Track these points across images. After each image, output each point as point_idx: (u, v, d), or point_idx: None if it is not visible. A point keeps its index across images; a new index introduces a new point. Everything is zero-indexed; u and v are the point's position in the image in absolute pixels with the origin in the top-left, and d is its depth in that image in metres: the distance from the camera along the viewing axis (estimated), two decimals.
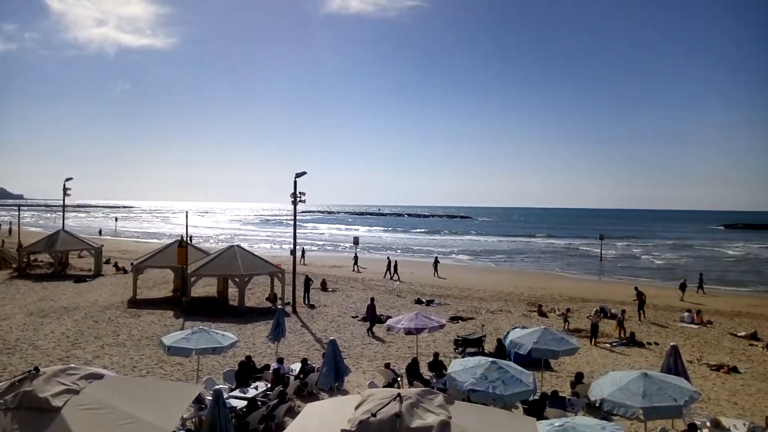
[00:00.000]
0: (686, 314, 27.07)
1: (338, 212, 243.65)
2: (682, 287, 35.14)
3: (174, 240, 32.34)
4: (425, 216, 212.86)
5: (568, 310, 26.84)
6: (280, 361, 15.83)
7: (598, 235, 68.90)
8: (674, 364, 12.89)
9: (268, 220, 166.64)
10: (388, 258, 44.60)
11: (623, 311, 24.41)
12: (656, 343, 22.02)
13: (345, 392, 14.29)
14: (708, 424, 12.08)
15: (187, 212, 41.11)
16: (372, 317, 22.97)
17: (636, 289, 29.01)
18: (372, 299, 25.62)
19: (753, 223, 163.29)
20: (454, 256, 66.32)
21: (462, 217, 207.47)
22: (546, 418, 10.22)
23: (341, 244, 76.63)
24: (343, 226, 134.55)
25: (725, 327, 25.71)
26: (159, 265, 30.20)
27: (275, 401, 12.90)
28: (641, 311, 27.43)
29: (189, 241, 31.89)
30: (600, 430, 7.43)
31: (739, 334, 24.00)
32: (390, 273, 41.10)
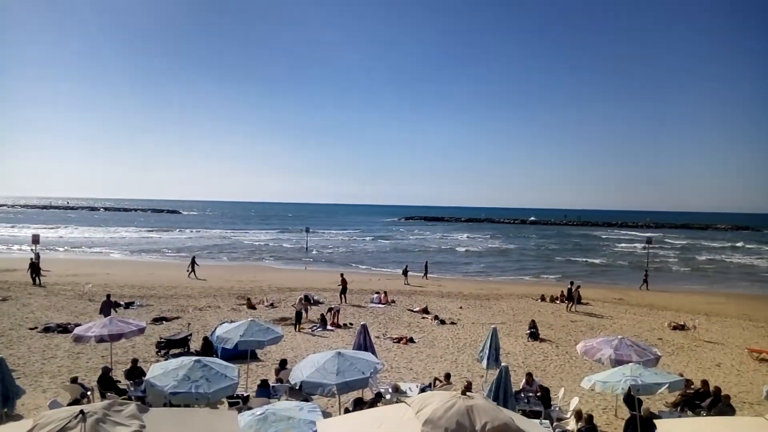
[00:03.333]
0: (375, 296, 30.84)
1: (12, 206, 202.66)
2: (405, 273, 39.97)
3: None
4: (126, 210, 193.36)
5: (303, 303, 27.30)
6: None
7: (304, 227, 73.37)
8: (364, 341, 14.54)
9: None
10: (32, 257, 36.26)
11: (338, 308, 26.20)
12: (351, 324, 24.49)
13: (18, 417, 12.05)
14: (390, 390, 14.00)
15: None
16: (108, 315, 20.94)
17: (341, 275, 31.74)
18: (108, 296, 23.85)
19: (426, 216, 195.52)
20: (160, 253, 62.03)
21: (169, 211, 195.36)
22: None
23: (13, 245, 64.13)
24: (18, 224, 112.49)
25: (405, 304, 30.07)
26: None
27: None
28: (344, 296, 30.26)
29: None
30: (298, 411, 7.91)
31: (414, 310, 28.40)
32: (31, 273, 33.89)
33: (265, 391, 13.61)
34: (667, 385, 11.26)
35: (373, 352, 14.07)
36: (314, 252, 67.43)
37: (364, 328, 14.88)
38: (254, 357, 18.05)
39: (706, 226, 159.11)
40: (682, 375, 14.98)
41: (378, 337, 21.77)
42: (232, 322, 17.35)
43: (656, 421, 6.93)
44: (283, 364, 15.61)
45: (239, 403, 12.78)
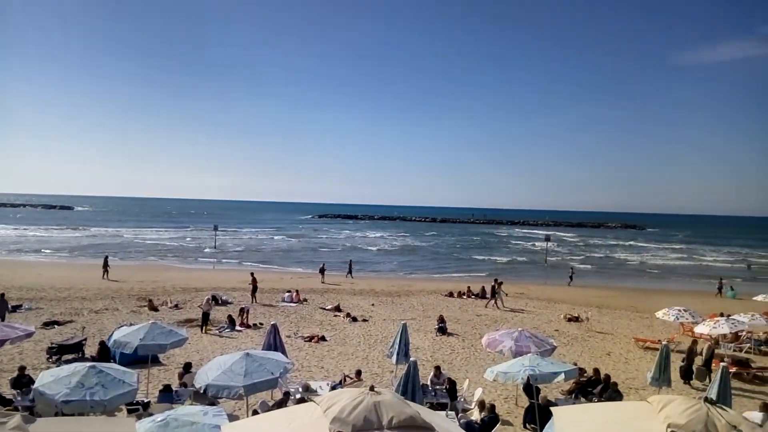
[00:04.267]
0: (286, 294, 30.41)
1: None
2: (322, 271, 39.97)
3: None
4: (14, 206, 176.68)
5: (201, 306, 26.11)
6: None
7: (212, 225, 70.93)
8: (274, 341, 14.33)
9: None
10: None
11: (247, 308, 25.44)
12: (261, 324, 23.99)
13: None
14: (300, 389, 13.88)
15: None
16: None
17: (252, 274, 30.88)
18: (2, 294, 22.75)
19: (340, 214, 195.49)
20: (49, 252, 57.41)
21: (62, 207, 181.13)
22: None
23: None
24: None
25: (317, 303, 29.91)
26: None
27: None
28: (254, 295, 29.54)
29: None
30: (202, 415, 7.66)
31: (326, 308, 28.33)
32: None
33: (167, 396, 13.05)
34: (562, 374, 12.04)
35: (284, 352, 13.91)
36: (220, 251, 65.23)
37: (274, 327, 14.67)
38: (156, 361, 17.25)
39: (598, 224, 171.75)
40: (576, 364, 16.08)
41: (289, 337, 21.54)
42: (131, 325, 16.52)
43: (552, 408, 7.40)
44: (187, 367, 15.03)
45: (139, 409, 12.17)
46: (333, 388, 14.11)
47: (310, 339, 21.63)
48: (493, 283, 32.31)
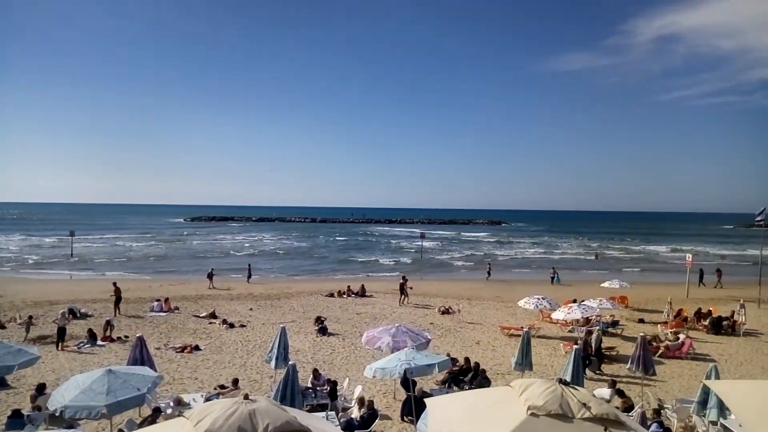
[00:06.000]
0: (155, 303, 28.53)
1: None
2: (210, 276, 38.05)
3: None
4: None
5: (30, 317, 23.91)
6: None
7: (69, 231, 64.61)
8: (140, 354, 13.43)
9: None
10: None
11: (111, 320, 23.48)
12: (127, 336, 22.32)
13: None
14: (171, 403, 13.16)
15: None
16: None
17: (114, 284, 28.43)
18: None
19: (215, 216, 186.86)
20: None
21: None
22: None
23: None
24: None
25: (190, 310, 28.45)
26: None
27: None
28: (117, 307, 27.28)
29: None
30: None
31: (200, 315, 27.05)
32: None
33: (17, 422, 11.71)
34: (436, 366, 12.62)
35: (152, 366, 13.09)
36: (78, 259, 59.61)
37: (140, 340, 13.74)
38: (3, 384, 15.46)
39: (468, 221, 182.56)
40: (449, 354, 16.91)
41: (159, 349, 20.31)
42: None
43: (425, 400, 7.70)
44: (40, 389, 13.60)
45: None
46: (208, 399, 13.55)
47: (182, 349, 20.54)
48: (401, 281, 33.00)
